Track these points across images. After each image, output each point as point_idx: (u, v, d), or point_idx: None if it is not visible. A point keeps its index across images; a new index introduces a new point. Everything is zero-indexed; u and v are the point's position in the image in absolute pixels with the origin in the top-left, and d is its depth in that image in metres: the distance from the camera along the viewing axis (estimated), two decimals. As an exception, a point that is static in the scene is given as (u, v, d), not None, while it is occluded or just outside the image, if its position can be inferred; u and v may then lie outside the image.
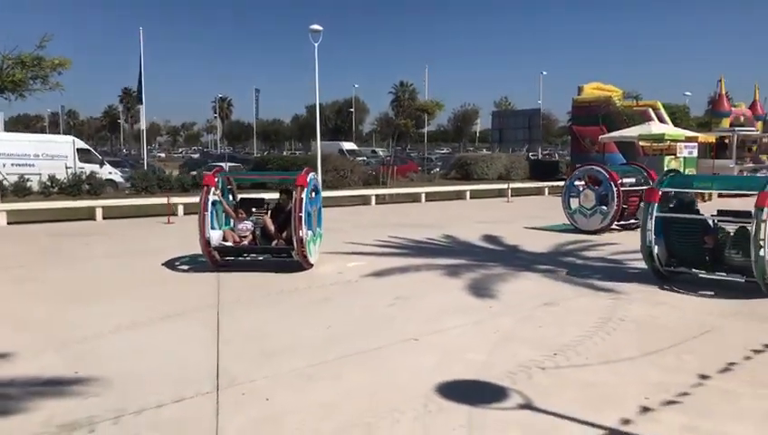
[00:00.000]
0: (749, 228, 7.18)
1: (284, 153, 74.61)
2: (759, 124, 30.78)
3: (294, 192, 8.47)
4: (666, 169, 19.24)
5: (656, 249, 8.00)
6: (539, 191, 25.29)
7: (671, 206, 8.33)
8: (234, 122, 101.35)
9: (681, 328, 6.09)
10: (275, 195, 10.11)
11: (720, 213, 8.13)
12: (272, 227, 8.96)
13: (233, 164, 33.93)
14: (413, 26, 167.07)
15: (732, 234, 7.80)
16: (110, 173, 25.31)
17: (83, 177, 22.33)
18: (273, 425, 3.99)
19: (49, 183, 21.44)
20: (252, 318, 6.62)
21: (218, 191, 9.09)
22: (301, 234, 8.31)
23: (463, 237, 12.37)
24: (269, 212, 9.45)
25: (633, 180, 13.95)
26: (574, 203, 13.87)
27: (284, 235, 8.79)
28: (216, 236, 8.90)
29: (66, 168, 23.35)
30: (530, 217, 15.90)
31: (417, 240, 12.02)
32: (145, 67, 28.53)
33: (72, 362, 5.13)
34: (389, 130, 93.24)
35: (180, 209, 16.75)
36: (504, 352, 5.40)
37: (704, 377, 4.77)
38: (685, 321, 6.35)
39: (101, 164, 25.26)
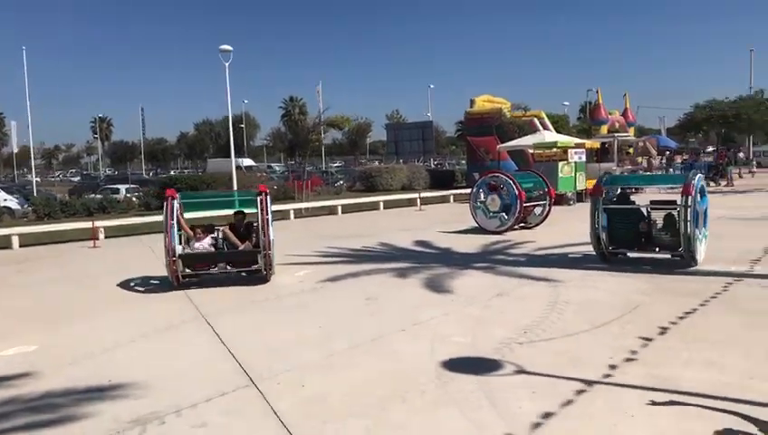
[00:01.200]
0: (675, 214, 8.99)
1: (171, 172, 72.58)
2: (632, 130, 34.22)
3: (257, 201, 9.00)
4: (560, 173, 21.30)
5: (603, 235, 9.67)
6: (444, 199, 26.73)
7: (613, 200, 10.05)
8: (117, 143, 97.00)
9: (616, 306, 7.26)
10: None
11: (653, 203, 9.91)
12: (235, 239, 9.33)
13: (131, 186, 33.06)
14: (300, 41, 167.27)
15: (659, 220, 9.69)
16: (5, 200, 24.13)
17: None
18: (320, 403, 4.64)
19: None
20: (242, 324, 7.12)
21: (178, 208, 9.34)
22: (270, 237, 8.82)
23: (396, 244, 13.27)
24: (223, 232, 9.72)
25: (534, 194, 15.73)
26: (480, 208, 15.26)
27: (245, 244, 9.25)
28: (179, 249, 9.12)
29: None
30: (445, 223, 17.11)
31: (354, 248, 12.77)
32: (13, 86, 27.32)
33: (95, 374, 5.48)
34: (282, 145, 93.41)
35: (101, 233, 16.48)
36: (483, 334, 6.30)
37: (647, 339, 5.91)
38: (617, 300, 7.55)
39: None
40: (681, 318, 6.61)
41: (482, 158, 33.05)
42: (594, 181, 22.61)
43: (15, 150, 53.03)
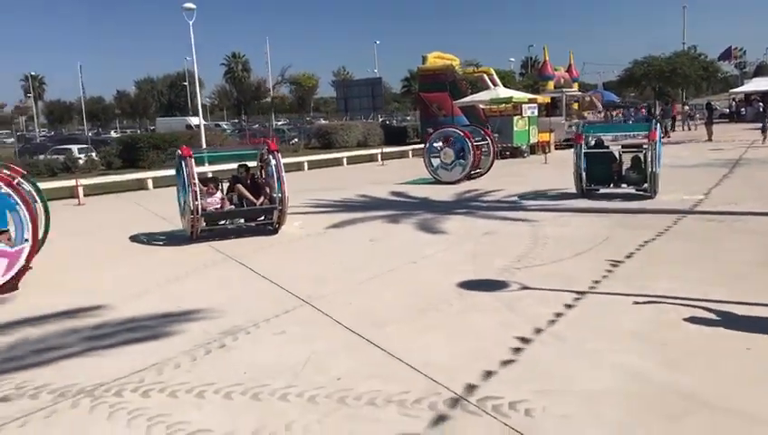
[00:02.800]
0: (641, 157, 11.44)
1: (112, 133, 70.56)
2: (576, 85, 35.88)
3: (272, 157, 9.73)
4: (515, 127, 22.59)
5: (583, 174, 11.95)
6: (403, 154, 27.79)
7: (590, 145, 12.00)
8: (54, 102, 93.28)
9: (588, 238, 8.51)
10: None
11: (623, 147, 12.07)
12: (251, 196, 9.99)
13: (82, 146, 32.64)
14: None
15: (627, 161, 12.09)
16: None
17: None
18: (369, 315, 5.68)
19: None
20: (270, 262, 8.05)
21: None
22: (287, 194, 9.60)
23: (374, 195, 14.29)
24: (229, 186, 10.35)
25: (478, 138, 17.00)
26: (435, 161, 16.58)
27: (261, 199, 9.97)
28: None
29: None
30: (412, 176, 18.19)
31: (337, 200, 13.73)
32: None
33: (162, 304, 6.35)
34: (228, 102, 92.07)
35: (80, 191, 16.83)
36: (483, 263, 7.45)
37: (620, 262, 7.17)
38: (587, 234, 8.81)
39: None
40: (643, 245, 7.91)
41: (434, 113, 34.09)
42: (545, 134, 24.15)
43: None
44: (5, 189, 7.00)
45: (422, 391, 4.06)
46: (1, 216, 7.01)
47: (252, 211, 9.97)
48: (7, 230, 7.08)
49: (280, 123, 78.97)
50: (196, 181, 9.30)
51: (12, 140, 68.08)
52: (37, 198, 8.52)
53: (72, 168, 23.81)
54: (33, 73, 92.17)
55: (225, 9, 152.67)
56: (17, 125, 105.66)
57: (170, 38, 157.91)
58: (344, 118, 53.12)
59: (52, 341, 5.41)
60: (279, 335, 5.28)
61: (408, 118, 70.66)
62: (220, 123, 67.41)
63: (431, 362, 4.49)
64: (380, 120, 67.36)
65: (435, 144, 16.95)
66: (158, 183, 18.80)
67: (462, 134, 16.28)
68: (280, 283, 6.92)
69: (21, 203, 7.04)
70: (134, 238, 10.31)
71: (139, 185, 18.80)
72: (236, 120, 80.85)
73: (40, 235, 8.28)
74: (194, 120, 53.37)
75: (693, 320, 5.11)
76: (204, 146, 23.47)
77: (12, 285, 7.03)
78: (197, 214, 9.25)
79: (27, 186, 8.42)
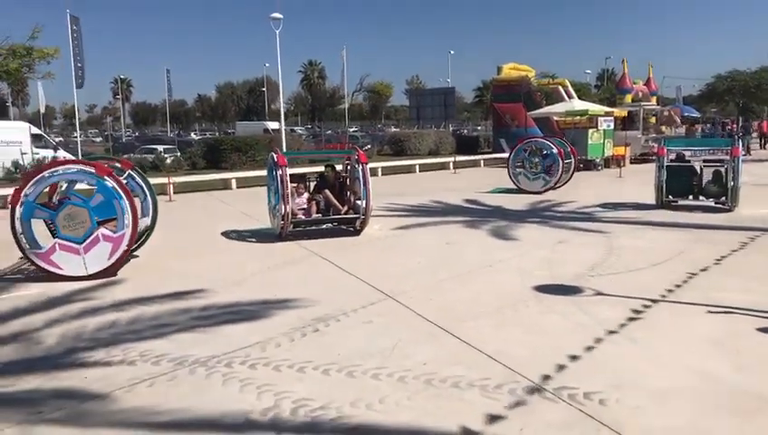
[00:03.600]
0: (722, 170, 11.82)
1: (193, 134, 73.46)
2: (654, 99, 35.13)
3: (359, 166, 10.22)
4: (589, 140, 22.48)
5: (664, 186, 12.46)
6: (475, 163, 28.00)
7: (671, 159, 12.44)
8: (140, 104, 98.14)
9: (663, 251, 8.63)
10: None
11: (705, 162, 12.37)
12: (337, 203, 10.39)
13: (168, 146, 34.41)
14: (319, 3, 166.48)
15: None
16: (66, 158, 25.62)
17: (46, 162, 22.69)
18: (450, 310, 6.08)
19: (13, 169, 21.74)
20: (353, 259, 8.55)
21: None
22: (371, 203, 10.07)
23: (449, 201, 14.66)
24: (317, 186, 10.87)
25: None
26: (519, 168, 16.68)
27: (345, 208, 10.43)
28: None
29: (21, 153, 23.51)
30: (484, 185, 18.46)
31: (413, 205, 14.18)
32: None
33: (260, 291, 6.93)
34: (304, 108, 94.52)
35: (171, 188, 17.92)
36: (558, 270, 7.71)
37: (694, 274, 7.29)
38: (663, 247, 8.91)
39: (56, 149, 25.50)
40: (719, 260, 7.98)
41: (507, 124, 34.13)
42: (621, 148, 23.87)
43: (42, 110, 54.41)
44: (111, 182, 7.75)
45: (502, 378, 4.42)
46: (109, 205, 7.75)
47: (335, 220, 10.47)
48: (115, 218, 7.80)
49: (352, 130, 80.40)
50: (289, 191, 9.65)
51: (100, 139, 72.23)
52: (146, 190, 9.28)
53: (160, 166, 25.22)
54: (122, 76, 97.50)
55: (302, 17, 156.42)
56: (104, 125, 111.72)
57: (250, 45, 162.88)
58: (416, 126, 53.71)
59: (165, 318, 6.06)
60: (367, 324, 5.75)
61: (479, 127, 70.64)
62: (295, 128, 69.32)
63: (509, 354, 4.84)
64: (451, 129, 67.82)
65: (524, 151, 16.93)
66: (242, 183, 19.79)
67: (556, 151, 16.33)
68: (364, 278, 7.41)
69: (122, 192, 7.77)
70: (225, 234, 11.00)
71: (224, 184, 19.81)
72: (310, 126, 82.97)
73: (148, 224, 9.10)
74: (271, 125, 55.33)
75: (766, 331, 5.26)
76: (284, 147, 24.50)
77: (113, 270, 7.78)
78: (287, 220, 9.74)
79: (139, 179, 9.22)
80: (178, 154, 28.78)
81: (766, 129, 35.40)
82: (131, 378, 4.58)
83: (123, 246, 7.77)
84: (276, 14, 21.99)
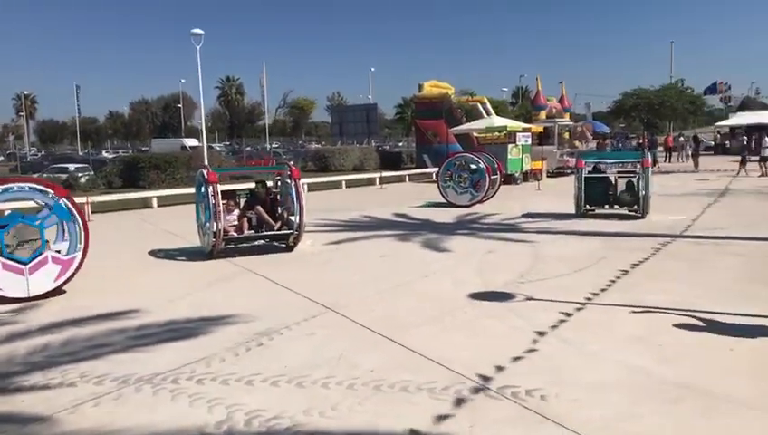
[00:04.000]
0: (634, 181, 12.77)
1: (104, 153, 70.70)
2: (567, 115, 36.91)
3: (291, 182, 10.23)
4: (509, 155, 23.33)
5: (583, 196, 13.40)
6: (401, 179, 28.46)
7: (588, 171, 13.26)
8: (46, 121, 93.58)
9: (585, 258, 9.12)
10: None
11: (619, 173, 13.35)
12: (269, 218, 10.35)
13: (80, 165, 33.06)
14: (237, 21, 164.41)
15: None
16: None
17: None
18: (391, 319, 6.23)
19: None
20: (289, 275, 8.54)
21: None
22: (304, 218, 10.07)
23: (379, 216, 14.88)
24: (248, 202, 10.78)
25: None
26: (448, 181, 17.11)
27: (278, 224, 10.40)
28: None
29: None
30: (411, 199, 18.87)
31: (343, 220, 14.31)
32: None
33: (195, 309, 6.84)
34: (222, 125, 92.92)
35: (89, 208, 17.26)
36: (490, 278, 8.02)
37: (616, 278, 7.77)
38: (585, 254, 9.42)
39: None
40: (637, 264, 8.53)
41: (430, 140, 34.90)
42: (538, 162, 24.90)
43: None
44: (64, 201, 7.54)
45: (447, 381, 4.60)
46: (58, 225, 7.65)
47: (267, 236, 10.41)
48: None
49: (273, 146, 79.72)
50: (221, 208, 9.51)
51: (1, 158, 68.20)
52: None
53: (74, 185, 24.22)
54: (25, 92, 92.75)
55: (217, 32, 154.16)
56: (6, 144, 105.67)
57: (164, 61, 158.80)
58: (338, 142, 53.96)
59: (100, 339, 5.89)
60: (310, 336, 5.81)
61: (401, 144, 71.63)
62: (213, 145, 67.94)
63: (453, 358, 5.03)
64: (373, 145, 68.52)
65: (453, 165, 17.29)
66: (163, 202, 19.32)
67: (484, 167, 16.79)
68: (302, 292, 7.45)
69: (77, 214, 7.59)
70: (152, 253, 10.71)
71: (144, 203, 19.26)
72: (228, 143, 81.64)
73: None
74: (189, 142, 53.98)
75: (684, 326, 5.71)
76: (206, 162, 24.02)
77: (60, 290, 7.57)
78: (219, 237, 9.56)
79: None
80: (92, 173, 27.78)
81: (671, 143, 37.89)
82: (74, 399, 4.46)
83: (73, 269, 7.64)
84: (197, 30, 21.68)
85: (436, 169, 26.43)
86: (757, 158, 25.11)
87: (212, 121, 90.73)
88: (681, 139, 40.25)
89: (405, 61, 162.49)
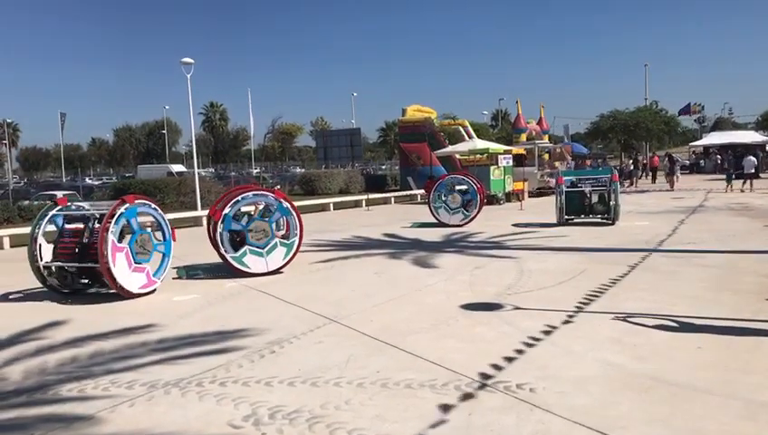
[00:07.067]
0: (605, 194, 15.01)
1: (87, 179, 70.81)
2: (546, 137, 37.93)
3: (287, 204, 10.81)
4: (491, 176, 24.07)
5: (564, 207, 15.67)
6: (386, 201, 29.09)
7: (567, 186, 15.29)
8: (29, 149, 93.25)
9: (567, 271, 9.74)
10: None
11: (592, 186, 15.29)
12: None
13: (68, 192, 33.32)
14: (221, 47, 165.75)
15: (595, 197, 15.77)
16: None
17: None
18: (390, 329, 6.76)
19: None
20: (291, 290, 9.03)
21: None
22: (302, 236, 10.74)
23: (369, 236, 15.44)
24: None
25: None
26: (440, 201, 17.70)
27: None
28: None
29: None
30: (398, 220, 19.48)
31: (335, 240, 14.85)
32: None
33: (208, 324, 7.32)
34: (207, 150, 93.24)
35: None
36: (479, 291, 8.60)
37: (598, 290, 8.38)
38: (566, 268, 10.04)
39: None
40: (617, 278, 9.16)
41: (414, 163, 35.71)
42: (520, 183, 25.66)
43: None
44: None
45: (447, 378, 5.14)
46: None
47: None
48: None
49: (257, 171, 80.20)
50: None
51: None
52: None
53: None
54: (8, 120, 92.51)
55: (202, 59, 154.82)
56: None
57: (147, 88, 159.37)
58: (323, 166, 54.63)
59: (125, 351, 6.34)
60: (318, 344, 6.33)
61: (384, 167, 72.52)
62: (199, 171, 68.21)
63: (450, 360, 5.58)
64: (357, 168, 69.37)
65: (446, 187, 17.85)
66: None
67: (476, 188, 17.51)
68: (305, 307, 7.97)
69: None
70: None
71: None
72: (212, 169, 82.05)
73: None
74: (175, 168, 54.27)
75: (657, 328, 6.33)
76: (197, 191, 24.51)
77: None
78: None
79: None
80: (80, 200, 28.04)
81: (656, 163, 39.08)
82: (110, 402, 4.93)
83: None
84: (187, 59, 22.26)
85: (421, 190, 27.23)
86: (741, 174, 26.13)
87: (196, 147, 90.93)
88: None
89: (386, 86, 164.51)
